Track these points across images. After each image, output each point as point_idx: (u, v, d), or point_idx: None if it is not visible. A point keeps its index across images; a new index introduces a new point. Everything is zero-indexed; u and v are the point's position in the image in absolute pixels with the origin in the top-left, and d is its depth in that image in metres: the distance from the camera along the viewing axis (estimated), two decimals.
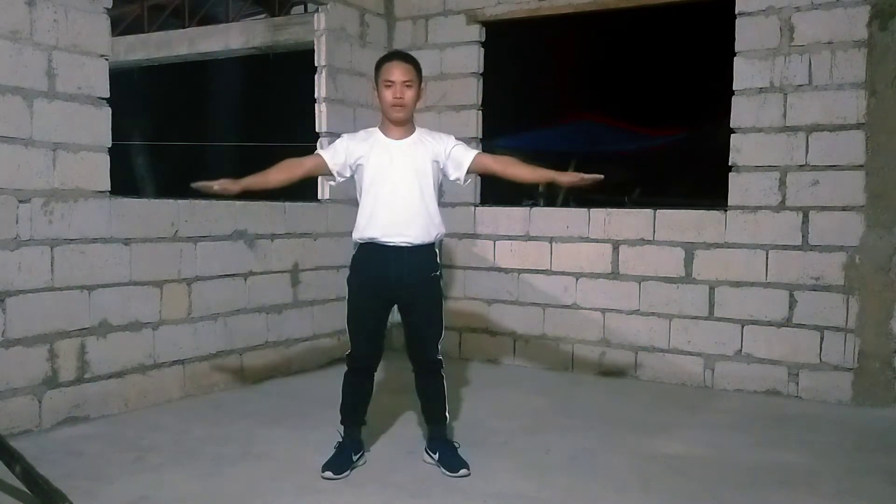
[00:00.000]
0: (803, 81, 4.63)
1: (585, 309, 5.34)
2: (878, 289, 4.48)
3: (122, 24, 10.47)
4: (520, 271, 5.56)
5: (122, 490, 3.03)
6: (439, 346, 3.39)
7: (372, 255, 3.27)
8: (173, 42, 10.10)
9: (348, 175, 3.34)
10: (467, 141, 3.45)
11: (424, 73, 3.38)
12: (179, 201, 4.42)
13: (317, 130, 5.43)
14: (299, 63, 6.22)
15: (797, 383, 4.71)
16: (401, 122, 3.27)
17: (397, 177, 3.23)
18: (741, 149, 4.82)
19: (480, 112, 5.76)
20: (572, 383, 5.09)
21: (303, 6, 10.18)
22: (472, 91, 5.74)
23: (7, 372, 3.60)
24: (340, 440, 3.38)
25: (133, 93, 8.69)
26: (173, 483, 3.13)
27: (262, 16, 10.73)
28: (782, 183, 4.72)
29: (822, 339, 4.64)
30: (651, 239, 5.12)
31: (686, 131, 6.81)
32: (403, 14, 5.96)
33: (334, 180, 3.40)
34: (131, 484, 3.09)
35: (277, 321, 5.05)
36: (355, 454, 3.36)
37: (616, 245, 5.23)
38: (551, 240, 5.45)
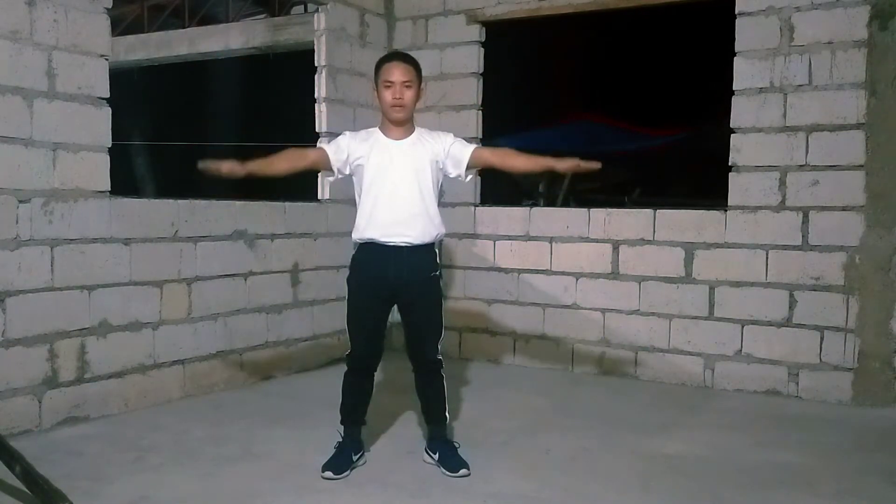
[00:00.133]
0: (803, 81, 4.63)
1: (585, 309, 5.34)
2: (878, 289, 4.48)
3: (122, 24, 10.47)
4: (520, 271, 5.56)
5: (122, 490, 3.03)
6: (439, 346, 3.39)
7: (372, 255, 3.27)
8: (173, 42, 10.10)
9: (347, 173, 3.34)
10: (467, 141, 3.44)
11: (424, 73, 3.39)
12: (179, 201, 4.43)
13: (317, 130, 5.43)
14: (299, 63, 6.22)
15: (797, 383, 4.71)
16: (400, 123, 3.27)
17: (397, 177, 3.23)
18: (741, 149, 4.82)
19: (480, 112, 5.76)
20: (572, 383, 5.09)
21: (303, 6, 10.17)
22: (472, 91, 5.74)
23: (7, 372, 3.60)
24: (340, 440, 3.38)
25: (133, 93, 8.69)
26: (173, 483, 3.13)
27: (262, 16, 10.73)
28: (782, 183, 4.72)
29: (822, 339, 4.64)
30: (651, 239, 5.12)
31: (686, 131, 6.80)
32: (403, 14, 5.96)
33: (333, 176, 3.39)
34: (131, 484, 3.09)
35: (277, 321, 5.05)
36: (355, 454, 3.36)
37: (616, 245, 5.23)
38: (551, 240, 5.45)
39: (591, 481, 3.24)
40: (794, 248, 4.69)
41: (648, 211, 5.17)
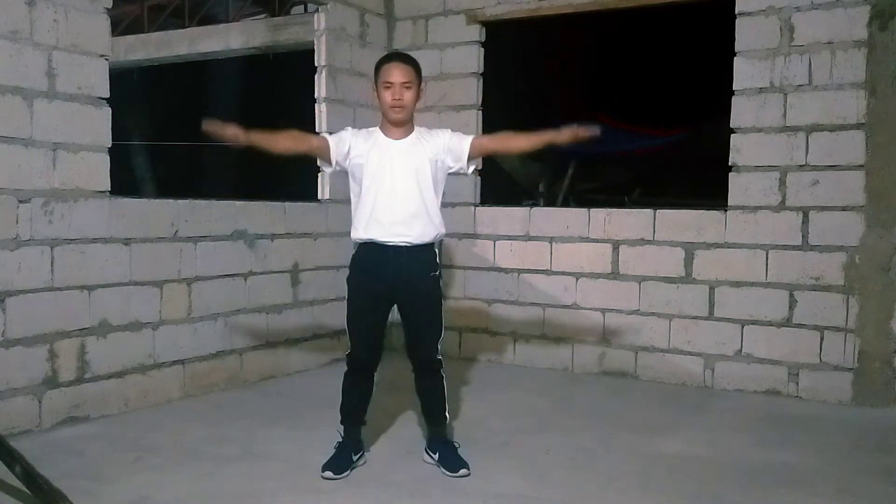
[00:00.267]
0: (803, 81, 4.63)
1: (585, 309, 5.34)
2: (878, 289, 4.48)
3: (122, 24, 10.46)
4: (520, 271, 5.56)
5: (122, 490, 3.03)
6: (439, 346, 3.39)
7: (371, 255, 3.27)
8: (173, 42, 10.09)
9: (344, 167, 3.32)
10: (469, 172, 3.43)
11: (424, 73, 3.38)
12: (179, 201, 4.42)
13: (317, 130, 5.42)
14: (299, 63, 6.22)
15: (797, 383, 4.71)
16: (400, 124, 3.27)
17: (397, 177, 3.23)
18: (741, 149, 4.82)
19: (480, 112, 5.76)
20: (572, 383, 5.09)
21: (303, 6, 10.16)
22: (472, 91, 5.74)
23: (7, 372, 3.60)
24: (340, 440, 3.38)
25: (133, 93, 8.69)
26: (173, 483, 3.13)
27: (262, 16, 10.72)
28: (782, 183, 4.72)
29: (822, 339, 4.64)
30: (651, 239, 5.12)
31: (686, 131, 6.80)
32: (403, 14, 5.97)
33: (329, 168, 3.37)
34: (131, 484, 3.10)
35: (277, 321, 5.05)
36: (355, 454, 3.36)
37: (616, 245, 5.23)
38: (551, 240, 5.45)
39: (591, 481, 3.24)
40: (794, 248, 4.69)
41: (648, 211, 5.17)
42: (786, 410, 4.46)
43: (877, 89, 4.45)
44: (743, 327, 4.85)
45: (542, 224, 5.50)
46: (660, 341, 5.10)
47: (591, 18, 5.45)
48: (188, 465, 3.33)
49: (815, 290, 4.64)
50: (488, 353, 5.69)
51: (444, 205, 3.38)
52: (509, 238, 5.60)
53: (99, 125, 3.96)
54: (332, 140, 3.32)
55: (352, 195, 3.36)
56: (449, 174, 3.39)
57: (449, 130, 3.38)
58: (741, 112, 4.81)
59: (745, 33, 4.77)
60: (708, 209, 4.98)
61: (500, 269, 5.64)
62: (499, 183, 6.77)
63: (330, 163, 3.33)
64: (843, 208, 4.55)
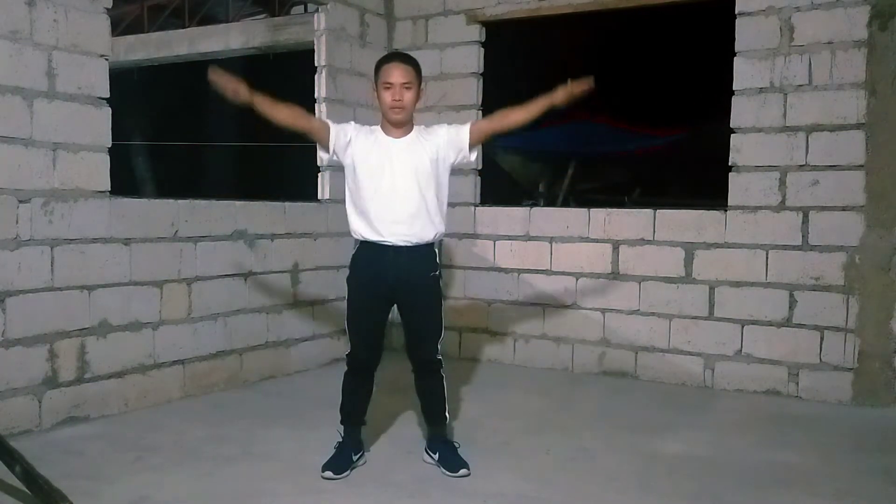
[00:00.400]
0: (803, 81, 4.63)
1: (585, 309, 5.34)
2: (878, 289, 4.48)
3: (122, 24, 10.47)
4: (520, 271, 5.56)
5: (122, 490, 3.03)
6: (439, 346, 3.38)
7: (371, 255, 3.27)
8: (173, 42, 10.10)
9: (340, 158, 3.31)
10: (472, 158, 3.42)
11: (424, 73, 3.37)
12: (179, 201, 4.42)
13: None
14: (299, 63, 6.23)
15: (797, 383, 4.71)
16: (400, 124, 3.26)
17: (397, 175, 3.22)
18: (741, 149, 4.82)
19: (480, 112, 5.75)
20: (572, 383, 5.09)
21: (303, 6, 10.17)
22: (472, 91, 5.74)
23: (7, 372, 3.60)
24: (340, 440, 3.38)
25: (133, 93, 8.69)
26: (173, 483, 3.13)
27: (262, 16, 10.73)
28: (782, 183, 4.72)
29: (822, 339, 4.64)
30: (651, 239, 5.12)
31: (686, 131, 6.80)
32: (403, 14, 5.96)
33: (326, 154, 3.35)
34: (131, 484, 3.09)
35: (277, 321, 5.05)
36: (355, 454, 3.36)
37: (616, 245, 5.23)
38: (551, 240, 5.45)
39: (591, 481, 3.24)
40: (794, 248, 4.69)
41: (648, 211, 5.17)
42: (786, 410, 4.46)
43: (877, 89, 4.45)
44: (743, 327, 4.85)
45: (542, 224, 5.50)
46: (660, 341, 5.10)
47: (591, 18, 5.45)
48: (188, 465, 3.33)
49: (815, 290, 4.64)
50: (488, 353, 5.69)
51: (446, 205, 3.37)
52: (509, 238, 5.60)
53: (99, 125, 3.96)
54: (333, 128, 3.31)
55: (346, 191, 3.34)
56: (454, 167, 3.36)
57: (446, 125, 3.37)
58: (741, 112, 4.81)
59: (745, 33, 4.77)
60: (708, 209, 4.98)
61: (500, 269, 5.64)
62: (499, 183, 6.77)
63: (327, 149, 3.32)
64: (843, 208, 4.55)
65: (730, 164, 4.87)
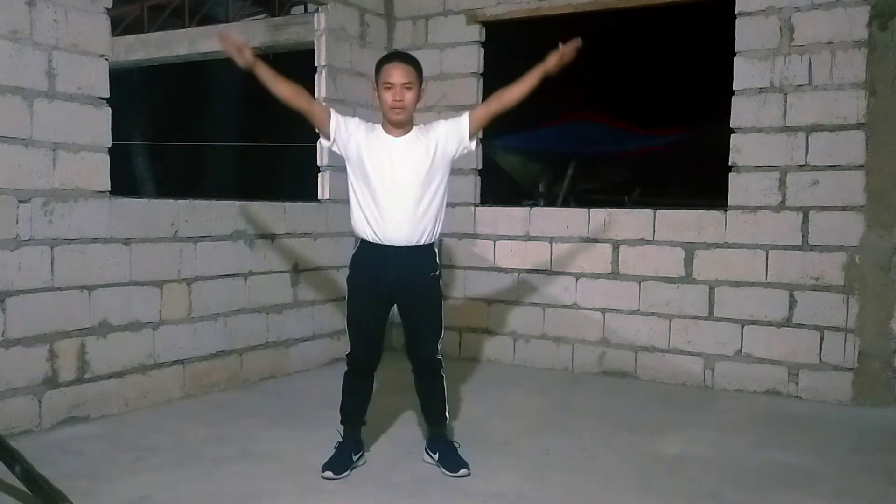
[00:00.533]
0: (803, 81, 4.63)
1: (585, 309, 5.34)
2: (878, 289, 4.48)
3: (122, 24, 10.48)
4: (520, 271, 5.56)
5: (122, 490, 3.03)
6: (439, 346, 3.38)
7: (371, 255, 3.27)
8: (173, 42, 10.10)
9: (340, 149, 3.30)
10: (472, 147, 3.42)
11: (424, 73, 3.36)
12: (179, 201, 4.42)
13: (316, 131, 5.42)
14: (299, 63, 6.23)
15: (797, 383, 4.71)
16: (400, 124, 3.26)
17: (398, 174, 3.21)
18: (741, 149, 4.82)
19: None
20: (572, 383, 5.10)
21: (303, 6, 10.18)
22: (472, 91, 5.74)
23: (7, 372, 3.60)
24: (340, 440, 3.38)
25: (133, 93, 8.69)
26: (173, 483, 3.13)
27: (262, 16, 10.74)
28: (782, 183, 4.72)
29: (822, 339, 4.64)
30: (651, 239, 5.12)
31: (686, 131, 6.80)
32: (403, 14, 5.96)
33: (327, 142, 3.34)
34: (131, 484, 3.09)
35: (277, 321, 5.05)
36: (355, 454, 3.36)
37: (616, 245, 5.23)
38: (551, 240, 5.45)
39: (591, 481, 3.24)
40: (794, 248, 4.69)
41: (648, 211, 5.17)
42: (786, 410, 4.46)
43: (877, 89, 4.45)
44: (743, 327, 4.85)
45: (542, 224, 5.50)
46: (660, 341, 5.10)
47: (591, 18, 5.44)
48: (188, 465, 3.33)
49: (815, 290, 4.64)
50: (488, 353, 5.69)
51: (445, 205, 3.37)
52: (509, 238, 5.60)
53: (99, 125, 3.96)
54: (334, 117, 3.29)
55: (349, 188, 3.33)
56: (454, 160, 3.35)
57: (443, 120, 3.37)
58: (741, 112, 4.81)
59: (745, 33, 4.77)
60: (708, 209, 4.98)
61: (500, 269, 5.64)
62: (499, 183, 6.77)
63: (328, 136, 3.31)
64: (843, 208, 4.55)
65: (730, 164, 4.87)
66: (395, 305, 3.37)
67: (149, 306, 4.23)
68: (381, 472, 3.32)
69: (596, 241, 5.29)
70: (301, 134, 5.77)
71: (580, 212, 5.41)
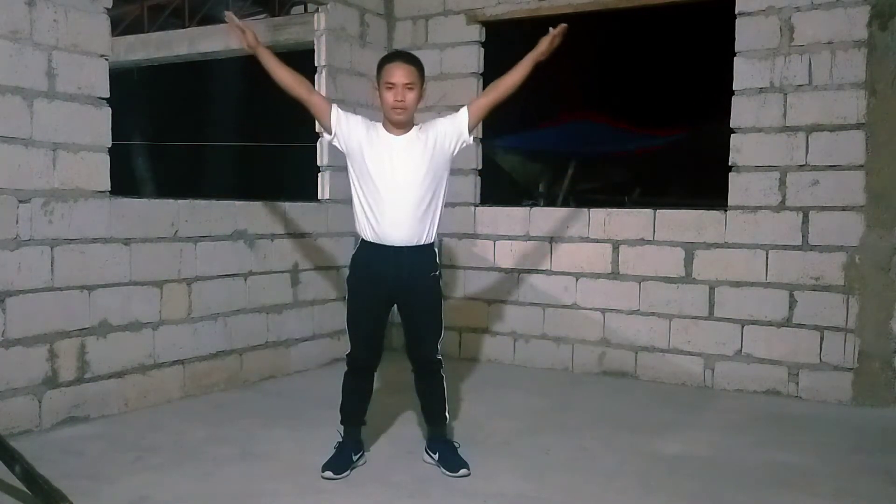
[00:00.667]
0: (803, 81, 4.63)
1: (585, 309, 5.34)
2: (878, 289, 4.48)
3: (122, 24, 10.48)
4: (520, 271, 5.56)
5: (122, 490, 3.03)
6: (439, 346, 3.38)
7: (372, 255, 3.27)
8: (173, 42, 10.09)
9: (340, 144, 3.30)
10: (471, 140, 3.42)
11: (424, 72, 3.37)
12: (179, 201, 4.42)
13: (316, 131, 5.42)
14: (299, 63, 6.22)
15: (797, 383, 4.71)
16: (401, 125, 3.26)
17: (398, 174, 3.20)
18: (741, 149, 4.82)
19: None
20: (572, 383, 5.09)
21: (303, 6, 10.18)
22: (472, 91, 5.72)
23: (7, 372, 3.60)
24: (340, 440, 3.38)
25: (133, 93, 8.68)
26: (173, 483, 3.13)
27: (262, 16, 10.73)
28: (782, 183, 4.72)
29: (822, 339, 4.64)
30: (651, 239, 5.12)
31: (686, 131, 6.80)
32: (403, 14, 5.96)
33: (329, 135, 3.34)
34: (131, 484, 3.09)
35: (277, 321, 5.05)
36: (355, 454, 3.36)
37: (616, 245, 5.23)
38: (551, 240, 5.45)
39: (591, 481, 3.24)
40: (794, 248, 4.69)
41: (648, 211, 5.17)
42: (786, 410, 4.46)
43: (877, 89, 4.45)
44: (743, 327, 4.85)
45: (542, 224, 5.50)
46: (660, 341, 5.10)
47: (592, 18, 5.44)
48: (188, 465, 3.33)
49: (815, 290, 4.64)
50: (488, 353, 5.69)
51: (444, 204, 3.37)
52: (509, 238, 5.60)
53: (99, 125, 3.96)
54: (335, 111, 3.29)
55: (351, 188, 3.33)
56: (454, 156, 3.35)
57: (441, 118, 3.37)
58: (741, 112, 4.81)
59: (745, 33, 4.77)
60: (708, 209, 4.98)
61: (500, 269, 5.64)
62: (499, 183, 6.77)
63: (329, 130, 3.31)
64: (843, 208, 4.55)
65: (730, 164, 4.87)
66: (396, 305, 3.37)
67: (149, 306, 4.23)
68: (381, 472, 3.32)
69: (596, 241, 5.29)
70: (301, 134, 5.78)
71: (580, 212, 5.41)
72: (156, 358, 4.27)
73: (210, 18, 10.68)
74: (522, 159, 7.42)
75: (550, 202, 6.93)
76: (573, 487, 3.17)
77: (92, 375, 3.96)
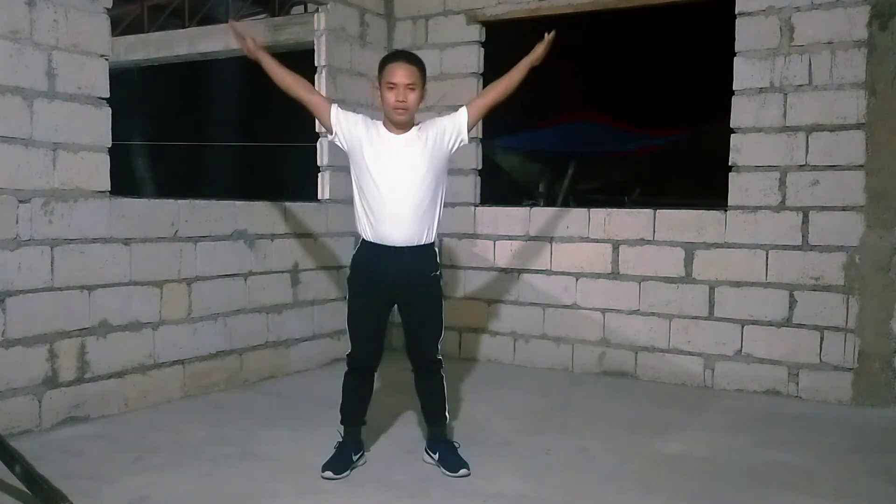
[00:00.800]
0: (803, 81, 4.63)
1: (585, 309, 5.34)
2: (878, 289, 4.48)
3: (122, 24, 10.48)
4: (520, 271, 5.56)
5: (122, 490, 3.03)
6: (439, 346, 3.38)
7: (372, 255, 3.27)
8: (173, 42, 10.10)
9: (341, 143, 3.31)
10: (468, 139, 3.42)
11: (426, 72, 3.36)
12: (179, 201, 4.42)
13: (316, 131, 5.42)
14: (299, 63, 6.23)
15: (797, 383, 4.71)
16: (403, 125, 3.26)
17: (398, 173, 3.20)
18: (741, 149, 4.82)
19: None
20: (572, 383, 5.09)
21: (303, 6, 10.19)
22: (472, 91, 5.71)
23: (7, 372, 3.60)
24: (340, 440, 3.38)
25: (133, 93, 8.69)
26: (173, 483, 3.13)
27: (262, 16, 10.75)
28: (782, 183, 4.72)
29: (822, 339, 4.64)
30: (651, 239, 5.12)
31: (686, 131, 6.80)
32: (403, 14, 5.96)
33: (331, 134, 3.35)
34: (131, 484, 3.09)
35: (277, 321, 5.05)
36: (355, 454, 3.36)
37: (616, 245, 5.23)
38: (551, 240, 5.45)
39: (591, 481, 3.24)
40: (794, 248, 4.69)
41: (648, 211, 5.17)
42: (786, 410, 4.46)
43: (877, 89, 4.45)
44: (743, 327, 4.85)
45: (542, 224, 5.50)
46: (660, 341, 5.10)
47: (592, 18, 5.45)
48: (188, 465, 3.33)
49: (815, 290, 4.64)
50: (488, 353, 5.69)
51: (444, 204, 3.37)
52: (509, 238, 5.60)
53: (99, 125, 3.96)
54: (335, 111, 3.30)
55: (353, 188, 3.33)
56: (452, 154, 3.36)
57: (440, 117, 3.37)
58: (741, 112, 4.81)
59: (745, 33, 4.77)
60: (708, 209, 4.98)
61: (500, 269, 5.64)
62: (499, 183, 6.76)
63: (330, 129, 3.32)
64: (843, 208, 4.55)
65: (730, 164, 4.87)
66: (396, 305, 3.37)
67: (149, 306, 4.23)
68: (381, 472, 3.32)
69: (596, 241, 5.29)
70: (301, 134, 5.78)
71: (580, 212, 5.41)
72: (156, 358, 4.27)
73: (210, 18, 10.69)
74: (522, 159, 7.42)
75: (550, 202, 6.93)
76: (573, 487, 3.17)
77: (92, 375, 3.96)
